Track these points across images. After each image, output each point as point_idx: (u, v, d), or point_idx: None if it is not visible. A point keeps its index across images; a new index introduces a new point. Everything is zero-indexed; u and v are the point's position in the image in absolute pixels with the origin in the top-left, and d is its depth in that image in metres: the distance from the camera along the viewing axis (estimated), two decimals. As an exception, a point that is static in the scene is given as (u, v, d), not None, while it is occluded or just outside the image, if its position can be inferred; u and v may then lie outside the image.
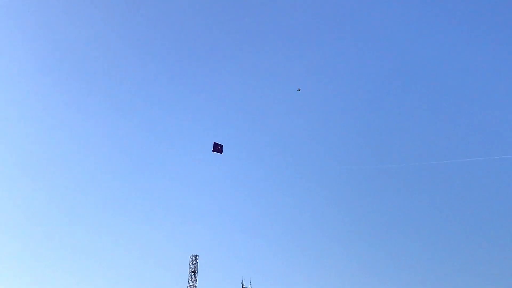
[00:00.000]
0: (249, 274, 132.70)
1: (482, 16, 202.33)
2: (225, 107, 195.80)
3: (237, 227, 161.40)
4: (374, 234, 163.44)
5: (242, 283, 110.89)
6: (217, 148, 69.05)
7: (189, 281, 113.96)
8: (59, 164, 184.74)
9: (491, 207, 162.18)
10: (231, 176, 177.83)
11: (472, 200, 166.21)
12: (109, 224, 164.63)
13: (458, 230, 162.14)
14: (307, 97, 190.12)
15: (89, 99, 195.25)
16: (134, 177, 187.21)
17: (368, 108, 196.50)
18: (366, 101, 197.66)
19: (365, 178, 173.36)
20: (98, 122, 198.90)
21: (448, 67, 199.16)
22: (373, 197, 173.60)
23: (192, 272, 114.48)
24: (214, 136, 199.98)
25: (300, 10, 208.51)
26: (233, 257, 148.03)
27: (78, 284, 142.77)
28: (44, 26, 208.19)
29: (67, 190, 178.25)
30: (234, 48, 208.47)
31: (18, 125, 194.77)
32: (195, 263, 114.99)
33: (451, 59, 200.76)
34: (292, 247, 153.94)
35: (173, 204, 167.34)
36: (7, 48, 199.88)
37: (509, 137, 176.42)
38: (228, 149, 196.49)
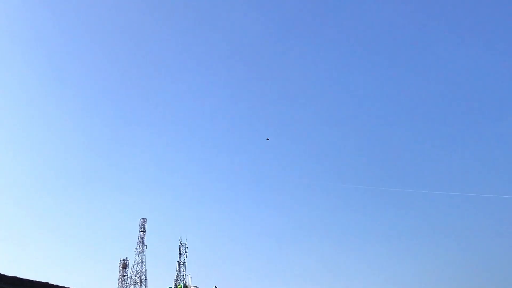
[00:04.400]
0: (185, 233, 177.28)
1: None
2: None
3: (178, 196, 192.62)
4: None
5: (179, 239, 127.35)
6: None
7: (139, 238, 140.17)
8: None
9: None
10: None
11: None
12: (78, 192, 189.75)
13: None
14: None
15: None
16: (99, 149, 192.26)
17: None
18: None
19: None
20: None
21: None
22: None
23: (141, 231, 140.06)
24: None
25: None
26: (174, 220, 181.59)
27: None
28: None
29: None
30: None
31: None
32: (143, 225, 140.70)
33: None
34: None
35: (129, 176, 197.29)
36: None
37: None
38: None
